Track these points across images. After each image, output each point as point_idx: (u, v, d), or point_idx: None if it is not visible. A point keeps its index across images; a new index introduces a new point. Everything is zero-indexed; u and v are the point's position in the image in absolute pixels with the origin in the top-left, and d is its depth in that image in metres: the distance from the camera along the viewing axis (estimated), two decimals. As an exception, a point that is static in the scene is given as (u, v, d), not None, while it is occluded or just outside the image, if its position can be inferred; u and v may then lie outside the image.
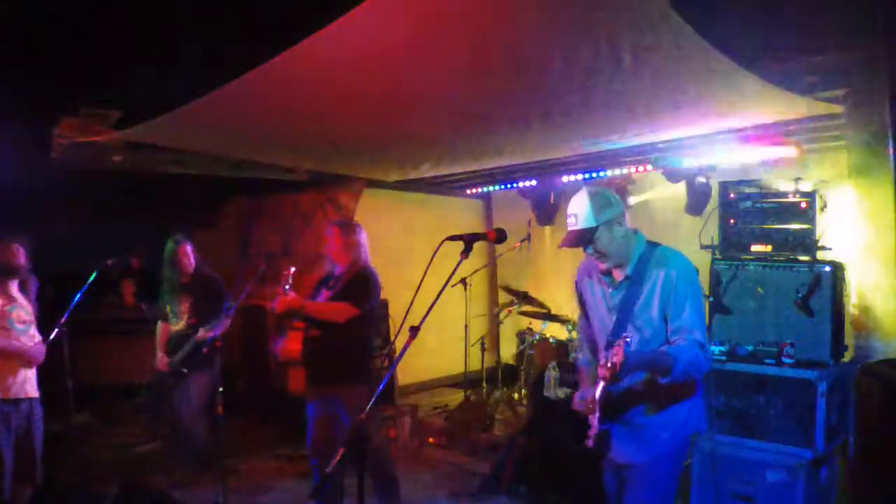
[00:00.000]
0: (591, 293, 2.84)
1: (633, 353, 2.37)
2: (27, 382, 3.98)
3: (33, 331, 4.07)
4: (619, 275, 2.69)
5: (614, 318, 2.68)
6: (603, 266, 2.70)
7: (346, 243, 4.03)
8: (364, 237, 4.11)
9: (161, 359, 4.99)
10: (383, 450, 4.10)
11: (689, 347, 2.47)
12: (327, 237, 4.12)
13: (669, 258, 2.64)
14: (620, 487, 2.75)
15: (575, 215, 2.63)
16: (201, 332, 4.67)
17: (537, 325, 6.49)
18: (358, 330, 3.94)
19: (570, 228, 2.66)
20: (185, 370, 4.84)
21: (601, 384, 2.49)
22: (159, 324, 5.15)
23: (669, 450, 2.66)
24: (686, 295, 2.56)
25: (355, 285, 3.96)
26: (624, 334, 2.48)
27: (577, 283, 2.93)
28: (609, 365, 2.31)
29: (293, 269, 4.03)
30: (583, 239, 2.61)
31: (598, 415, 2.57)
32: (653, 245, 2.71)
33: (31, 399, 4.01)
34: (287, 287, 3.91)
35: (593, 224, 2.59)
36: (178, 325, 4.99)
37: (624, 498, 2.70)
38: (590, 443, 2.62)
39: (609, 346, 2.57)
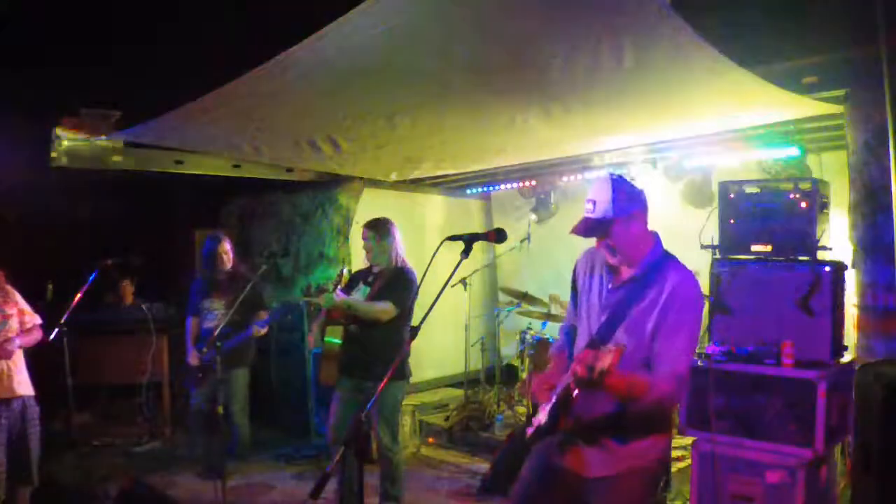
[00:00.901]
0: (587, 283, 2.65)
1: (618, 369, 2.14)
2: (15, 381, 3.96)
3: (15, 324, 4.04)
4: (626, 273, 2.52)
5: (604, 317, 2.50)
6: (612, 260, 2.52)
7: (381, 245, 4.12)
8: (397, 234, 4.18)
9: (193, 354, 5.06)
10: (390, 444, 4.14)
11: (666, 378, 2.34)
12: (363, 239, 4.22)
13: (681, 275, 2.45)
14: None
15: (594, 202, 2.46)
16: (254, 330, 4.89)
17: (537, 325, 6.49)
18: (396, 327, 4.06)
19: (586, 215, 2.47)
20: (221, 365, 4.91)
21: (568, 381, 2.29)
22: (190, 319, 5.26)
23: (641, 467, 2.47)
24: (685, 320, 2.39)
25: (395, 285, 4.08)
26: (619, 342, 2.30)
27: (576, 266, 2.75)
28: (589, 366, 2.07)
29: (345, 270, 4.22)
30: (598, 229, 2.46)
31: (551, 404, 2.38)
32: (667, 254, 2.54)
33: (23, 398, 3.99)
34: (338, 287, 4.06)
35: (612, 216, 2.43)
36: (215, 322, 5.02)
37: None
38: (529, 430, 2.48)
39: (593, 344, 2.43)
